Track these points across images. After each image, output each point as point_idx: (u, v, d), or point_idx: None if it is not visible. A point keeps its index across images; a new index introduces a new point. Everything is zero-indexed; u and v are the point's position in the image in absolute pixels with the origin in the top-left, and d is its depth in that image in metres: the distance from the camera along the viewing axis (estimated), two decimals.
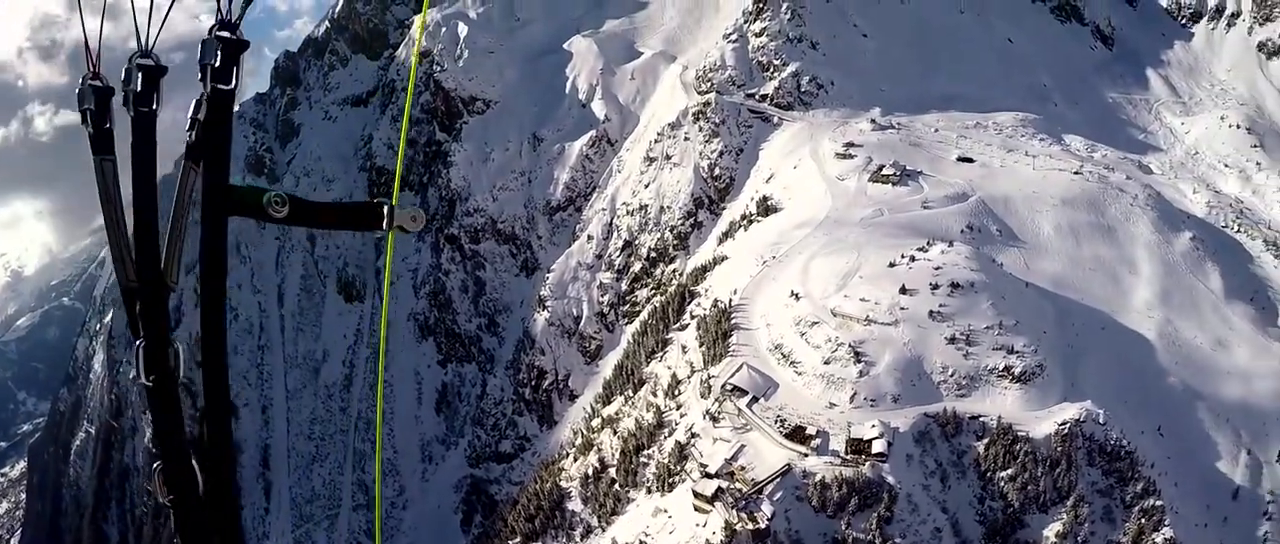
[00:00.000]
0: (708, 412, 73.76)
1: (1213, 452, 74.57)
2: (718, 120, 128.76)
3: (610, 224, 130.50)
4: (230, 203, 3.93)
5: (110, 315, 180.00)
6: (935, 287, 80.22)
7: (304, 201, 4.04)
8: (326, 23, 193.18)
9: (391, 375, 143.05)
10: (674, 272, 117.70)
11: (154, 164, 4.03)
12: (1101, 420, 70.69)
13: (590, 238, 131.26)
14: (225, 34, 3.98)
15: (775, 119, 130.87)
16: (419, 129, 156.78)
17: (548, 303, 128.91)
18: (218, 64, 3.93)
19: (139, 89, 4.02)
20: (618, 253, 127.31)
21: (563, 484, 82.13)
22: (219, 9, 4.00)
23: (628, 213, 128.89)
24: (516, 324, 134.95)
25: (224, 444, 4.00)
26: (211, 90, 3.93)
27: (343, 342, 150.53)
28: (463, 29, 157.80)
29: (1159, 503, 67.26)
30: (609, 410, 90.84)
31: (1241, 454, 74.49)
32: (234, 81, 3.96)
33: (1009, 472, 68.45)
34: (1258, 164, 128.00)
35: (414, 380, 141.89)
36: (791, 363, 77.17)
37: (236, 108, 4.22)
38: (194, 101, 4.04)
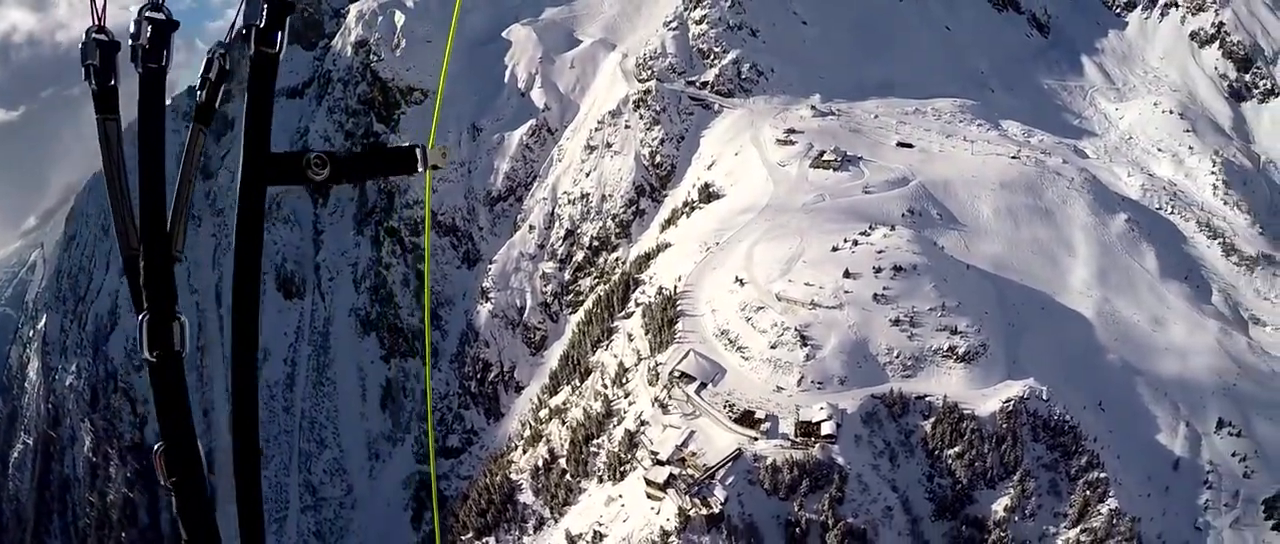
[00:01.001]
0: (656, 399, 73.47)
1: (1153, 425, 76.15)
2: (658, 108, 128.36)
3: (552, 213, 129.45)
4: (271, 171, 3.82)
5: (44, 320, 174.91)
6: (878, 270, 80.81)
7: (342, 158, 3.90)
8: None
9: (334, 374, 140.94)
10: (617, 260, 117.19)
11: (163, 124, 3.82)
12: (1045, 397, 71.80)
13: (532, 228, 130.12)
14: None
15: (716, 106, 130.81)
16: (356, 120, 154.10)
17: (490, 294, 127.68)
18: (263, 25, 3.76)
19: (148, 44, 3.78)
20: (560, 242, 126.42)
21: (513, 477, 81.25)
22: None
23: (569, 202, 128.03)
24: (459, 317, 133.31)
25: (251, 423, 3.79)
26: (256, 53, 3.78)
27: (284, 340, 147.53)
28: (400, 18, 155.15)
29: (1103, 475, 68.53)
30: (556, 401, 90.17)
31: (1180, 426, 76.10)
32: (279, 45, 3.81)
33: (956, 449, 69.22)
34: (1190, 148, 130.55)
35: (358, 377, 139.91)
36: (738, 348, 77.17)
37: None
38: (205, 61, 3.94)
